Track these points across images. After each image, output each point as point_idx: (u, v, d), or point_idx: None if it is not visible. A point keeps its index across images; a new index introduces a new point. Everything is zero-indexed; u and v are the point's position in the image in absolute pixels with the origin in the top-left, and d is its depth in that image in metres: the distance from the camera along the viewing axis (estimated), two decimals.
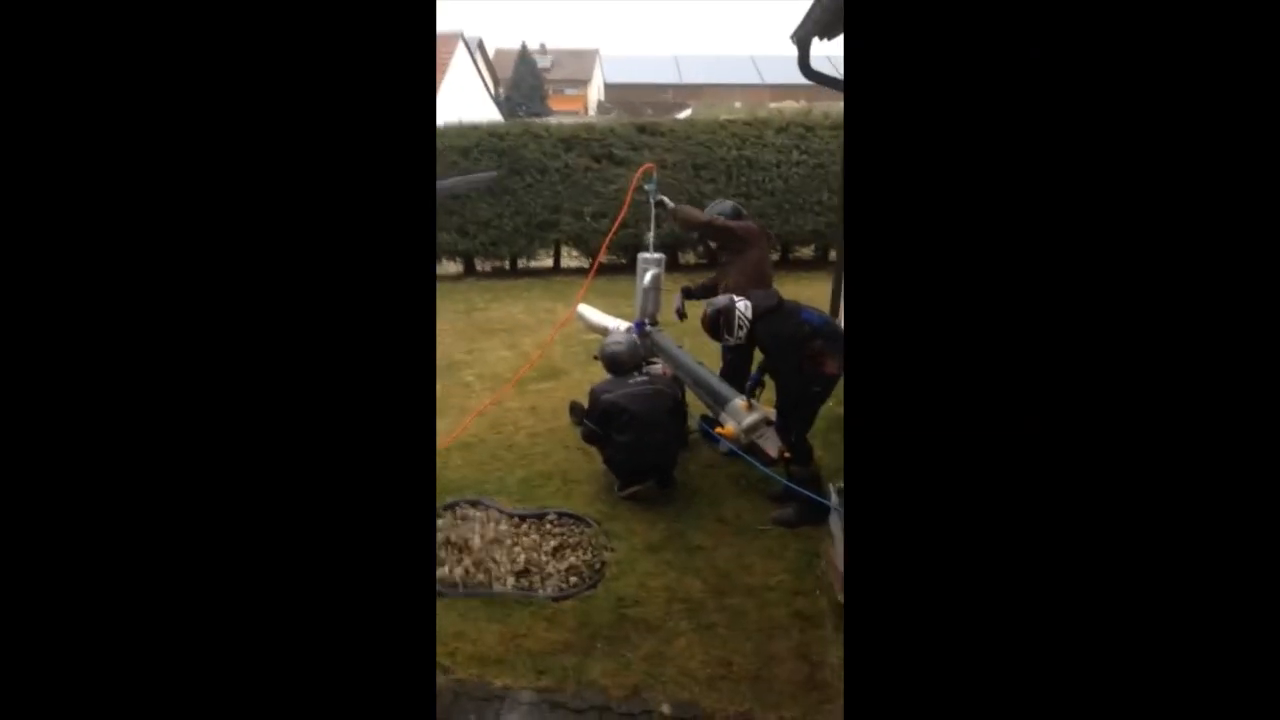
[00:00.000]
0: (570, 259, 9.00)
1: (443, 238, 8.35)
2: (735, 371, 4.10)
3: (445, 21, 16.52)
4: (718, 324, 3.54)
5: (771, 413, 3.54)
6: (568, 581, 3.07)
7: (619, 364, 3.77)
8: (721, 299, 3.61)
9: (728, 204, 4.37)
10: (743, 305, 3.51)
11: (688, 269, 8.54)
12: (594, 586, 3.03)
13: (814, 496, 3.28)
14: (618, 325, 4.33)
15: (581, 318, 4.67)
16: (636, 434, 3.54)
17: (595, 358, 3.97)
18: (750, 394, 3.64)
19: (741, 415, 3.57)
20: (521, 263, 8.94)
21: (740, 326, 3.50)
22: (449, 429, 4.47)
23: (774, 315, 3.49)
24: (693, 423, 4.34)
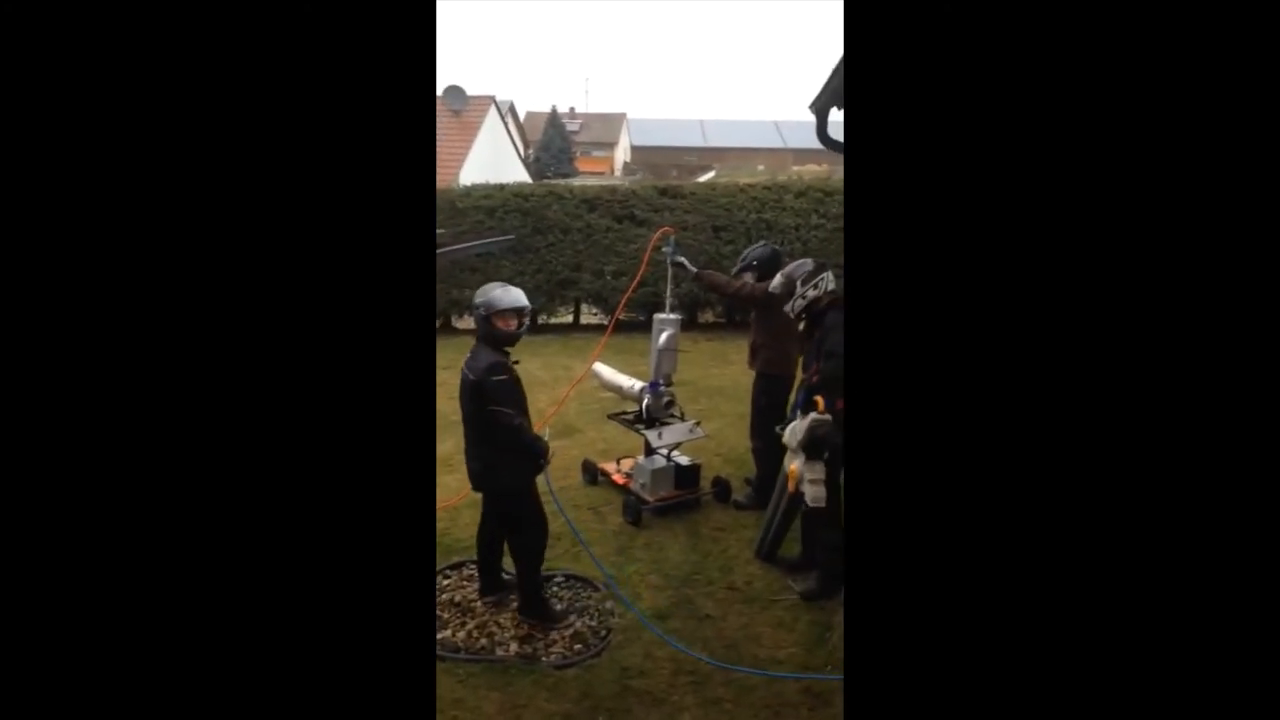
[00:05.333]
0: (590, 316, 9.09)
1: (465, 294, 8.50)
2: (766, 415, 4.02)
3: (478, 85, 17.17)
4: (793, 281, 3.34)
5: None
6: (572, 649, 2.99)
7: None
8: (811, 261, 3.42)
9: (767, 248, 4.25)
10: (830, 275, 3.33)
11: (705, 328, 8.58)
12: (598, 655, 2.94)
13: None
14: (632, 384, 4.33)
15: (597, 376, 4.68)
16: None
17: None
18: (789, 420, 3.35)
19: (798, 429, 3.12)
20: (541, 319, 9.05)
21: (816, 287, 3.27)
22: (460, 485, 4.45)
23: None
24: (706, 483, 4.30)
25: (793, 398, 3.66)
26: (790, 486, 3.24)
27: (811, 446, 3.07)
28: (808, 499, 3.13)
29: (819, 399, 3.07)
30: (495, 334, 3.03)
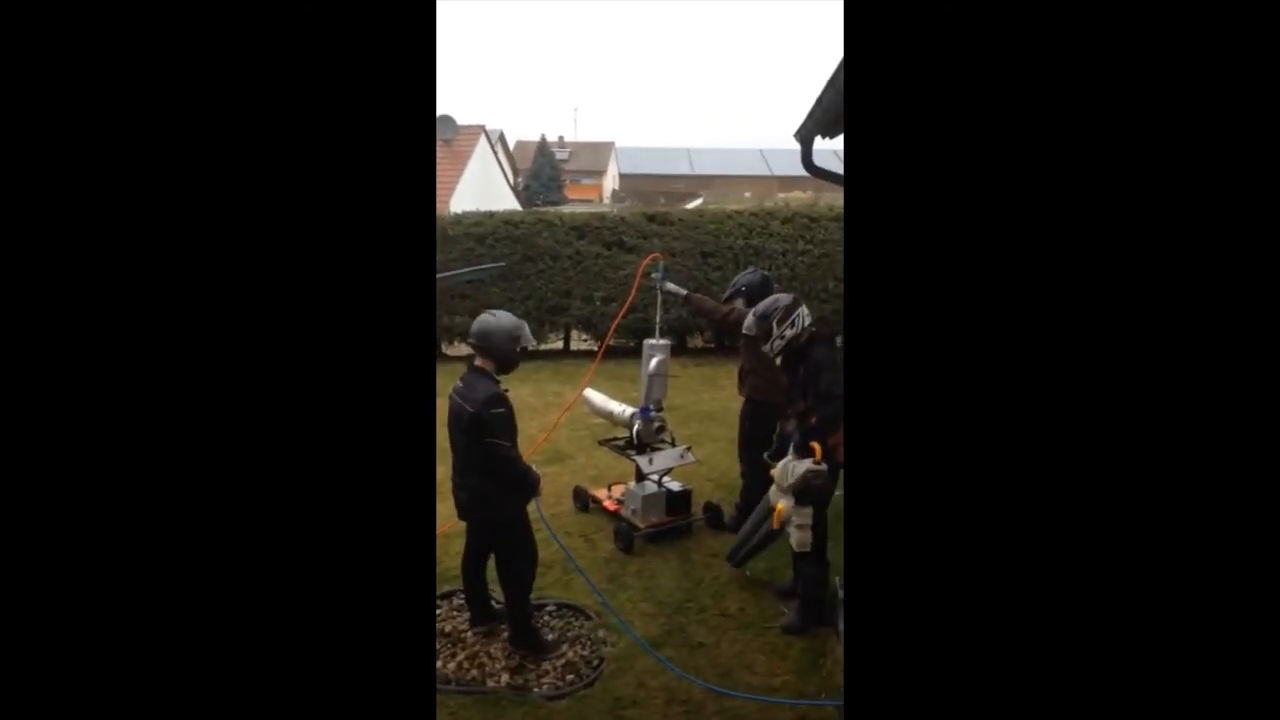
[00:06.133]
0: (580, 342, 9.10)
1: (456, 321, 8.50)
2: (752, 440, 3.98)
3: (468, 114, 17.33)
4: (769, 321, 3.26)
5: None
6: (564, 679, 2.95)
7: (484, 339, 3.05)
8: (785, 297, 3.35)
9: (757, 274, 4.22)
10: (805, 310, 3.29)
11: (695, 353, 8.60)
12: (591, 685, 2.90)
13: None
14: (623, 409, 4.33)
15: (587, 402, 4.67)
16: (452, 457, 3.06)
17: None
18: (775, 456, 3.31)
19: (791, 471, 3.04)
20: (531, 345, 9.04)
21: (794, 325, 3.22)
22: (450, 514, 4.41)
23: (831, 343, 3.27)
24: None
25: (779, 428, 3.58)
26: (775, 524, 3.17)
27: (803, 495, 3.02)
28: (794, 544, 3.07)
29: (816, 446, 3.00)
30: (507, 363, 3.04)
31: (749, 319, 3.45)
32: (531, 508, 3.14)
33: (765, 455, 3.42)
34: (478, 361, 3.06)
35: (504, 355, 3.04)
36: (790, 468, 3.06)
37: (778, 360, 3.37)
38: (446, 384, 3.31)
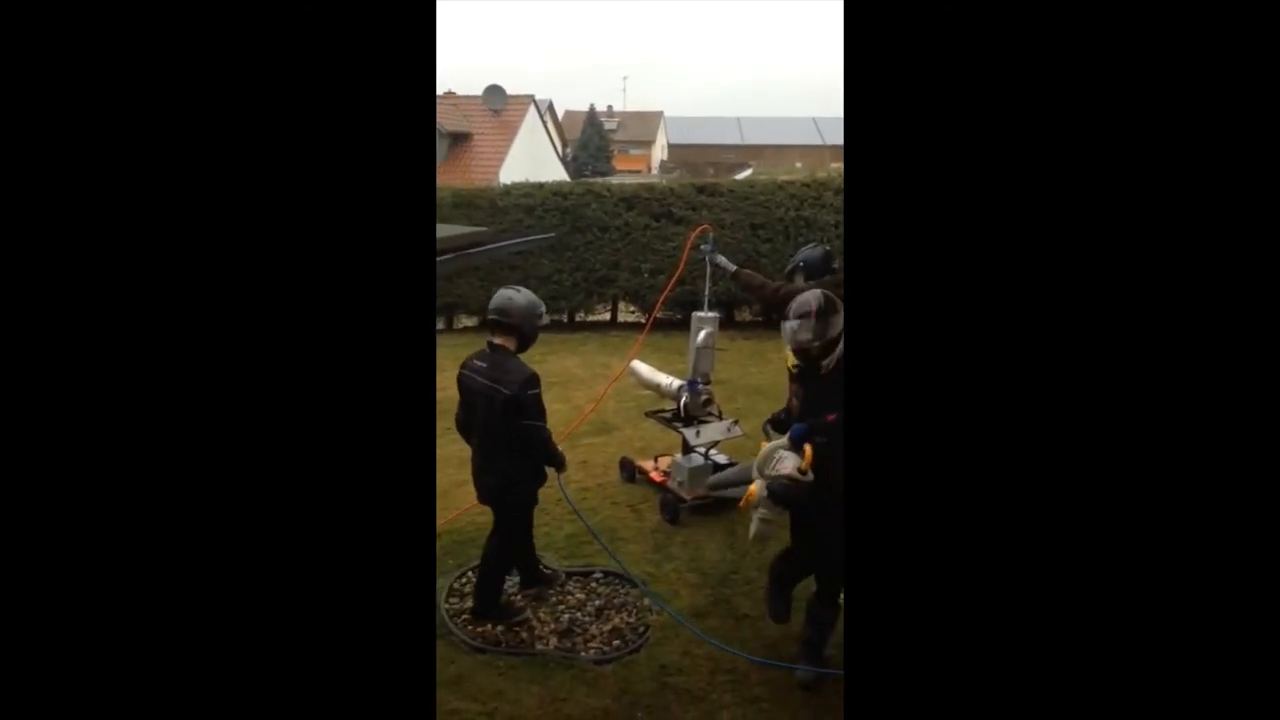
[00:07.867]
0: (627, 314, 9.12)
1: None
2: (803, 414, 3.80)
3: (517, 85, 17.29)
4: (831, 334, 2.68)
5: (782, 443, 2.73)
6: (610, 645, 3.02)
7: (507, 315, 2.99)
8: (814, 298, 2.75)
9: (818, 251, 3.86)
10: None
11: (743, 326, 8.54)
12: (637, 651, 2.96)
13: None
14: (670, 382, 4.34)
15: (634, 374, 4.70)
16: (476, 440, 3.06)
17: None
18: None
19: (777, 461, 2.67)
20: (579, 316, 9.10)
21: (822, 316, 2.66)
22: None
23: None
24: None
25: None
26: (741, 504, 2.80)
27: (776, 496, 2.64)
28: (752, 533, 2.80)
29: (809, 450, 2.60)
30: (528, 340, 3.03)
31: (804, 333, 2.72)
32: (555, 482, 3.15)
33: (764, 423, 3.12)
34: (497, 339, 2.96)
35: (526, 331, 2.99)
36: (777, 455, 2.67)
37: (825, 367, 2.73)
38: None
